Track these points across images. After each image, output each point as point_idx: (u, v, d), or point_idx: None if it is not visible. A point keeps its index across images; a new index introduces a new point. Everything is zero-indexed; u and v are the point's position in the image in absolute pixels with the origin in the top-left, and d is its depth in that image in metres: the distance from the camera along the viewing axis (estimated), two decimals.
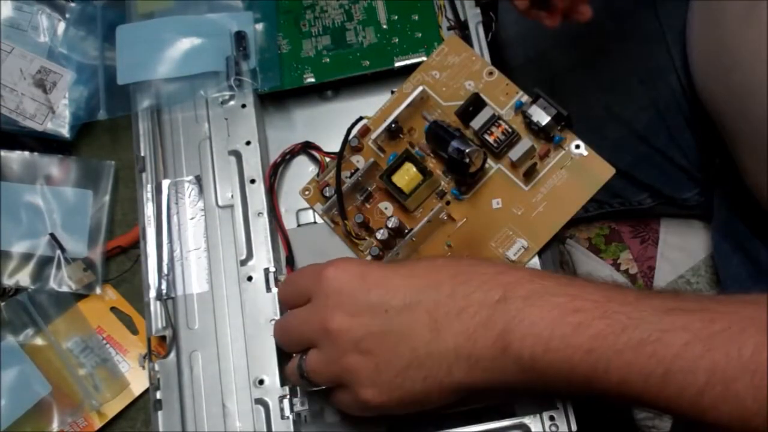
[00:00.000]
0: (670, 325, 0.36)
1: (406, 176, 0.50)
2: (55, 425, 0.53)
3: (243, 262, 0.50)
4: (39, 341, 0.55)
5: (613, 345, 0.36)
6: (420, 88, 0.52)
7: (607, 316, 0.37)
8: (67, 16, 0.60)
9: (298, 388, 0.48)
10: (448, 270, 0.42)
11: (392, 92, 0.54)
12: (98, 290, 0.56)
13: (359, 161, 0.53)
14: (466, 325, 0.39)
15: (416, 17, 0.56)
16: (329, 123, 0.55)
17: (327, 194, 0.52)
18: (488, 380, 0.39)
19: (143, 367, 0.49)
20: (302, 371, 0.43)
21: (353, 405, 0.42)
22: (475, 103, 0.50)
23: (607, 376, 0.37)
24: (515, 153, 0.49)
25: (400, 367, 0.40)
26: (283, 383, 0.47)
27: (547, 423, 0.45)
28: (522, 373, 0.39)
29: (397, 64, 0.55)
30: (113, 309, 0.56)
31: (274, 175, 0.54)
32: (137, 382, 0.54)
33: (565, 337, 0.37)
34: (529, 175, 0.49)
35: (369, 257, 0.51)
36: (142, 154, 0.54)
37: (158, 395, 0.48)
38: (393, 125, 0.51)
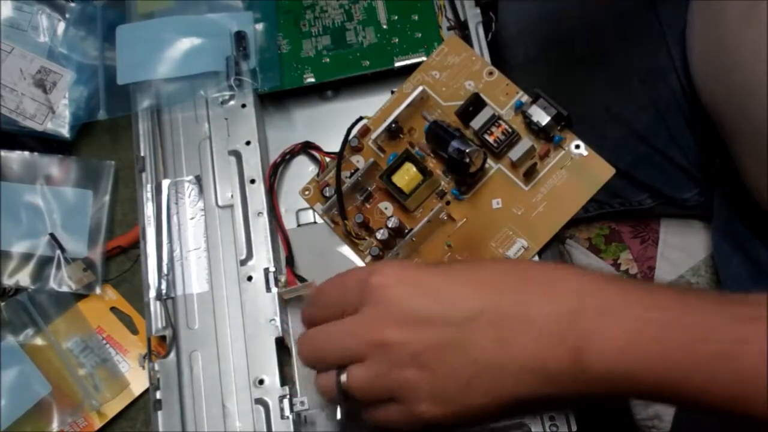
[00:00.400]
0: (746, 335, 0.36)
1: (406, 176, 0.50)
2: (55, 425, 0.53)
3: (243, 262, 0.50)
4: (39, 341, 0.55)
5: (691, 358, 0.36)
6: (420, 88, 0.52)
7: (685, 329, 0.36)
8: (67, 16, 0.60)
9: (297, 388, 0.48)
10: (513, 275, 0.40)
11: (392, 92, 0.54)
12: (98, 290, 0.56)
13: (359, 161, 0.53)
14: (533, 337, 0.38)
15: (416, 17, 0.56)
16: (329, 123, 0.55)
17: (327, 194, 0.52)
18: (551, 393, 0.38)
19: (143, 367, 0.49)
20: (341, 387, 0.40)
21: (403, 420, 0.40)
22: (475, 103, 0.50)
23: (684, 387, 0.36)
24: (515, 153, 0.49)
25: (462, 381, 0.38)
26: (283, 383, 0.47)
27: (547, 423, 0.45)
28: (587, 385, 0.37)
29: (397, 64, 0.55)
30: (113, 309, 0.56)
31: (274, 175, 0.54)
32: (137, 382, 0.54)
33: (642, 351, 0.36)
34: (529, 175, 0.49)
35: (369, 257, 0.51)
36: (142, 154, 0.54)
37: (158, 395, 0.48)
38: (393, 125, 0.51)
